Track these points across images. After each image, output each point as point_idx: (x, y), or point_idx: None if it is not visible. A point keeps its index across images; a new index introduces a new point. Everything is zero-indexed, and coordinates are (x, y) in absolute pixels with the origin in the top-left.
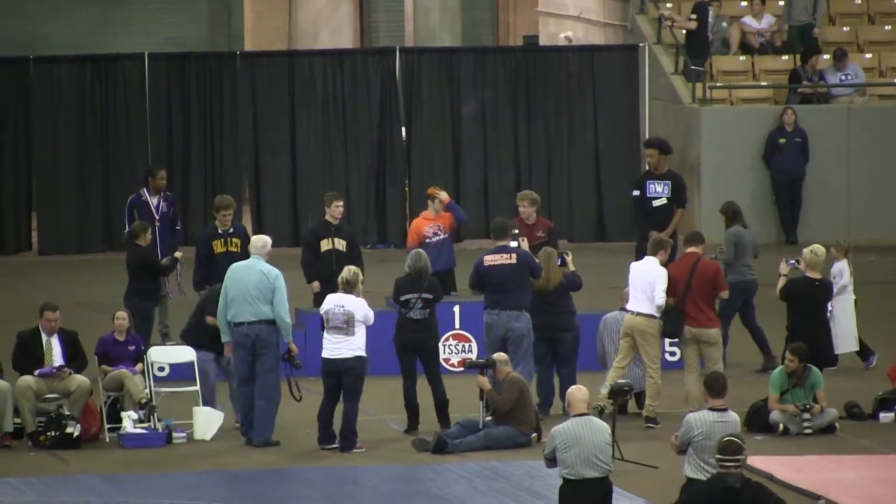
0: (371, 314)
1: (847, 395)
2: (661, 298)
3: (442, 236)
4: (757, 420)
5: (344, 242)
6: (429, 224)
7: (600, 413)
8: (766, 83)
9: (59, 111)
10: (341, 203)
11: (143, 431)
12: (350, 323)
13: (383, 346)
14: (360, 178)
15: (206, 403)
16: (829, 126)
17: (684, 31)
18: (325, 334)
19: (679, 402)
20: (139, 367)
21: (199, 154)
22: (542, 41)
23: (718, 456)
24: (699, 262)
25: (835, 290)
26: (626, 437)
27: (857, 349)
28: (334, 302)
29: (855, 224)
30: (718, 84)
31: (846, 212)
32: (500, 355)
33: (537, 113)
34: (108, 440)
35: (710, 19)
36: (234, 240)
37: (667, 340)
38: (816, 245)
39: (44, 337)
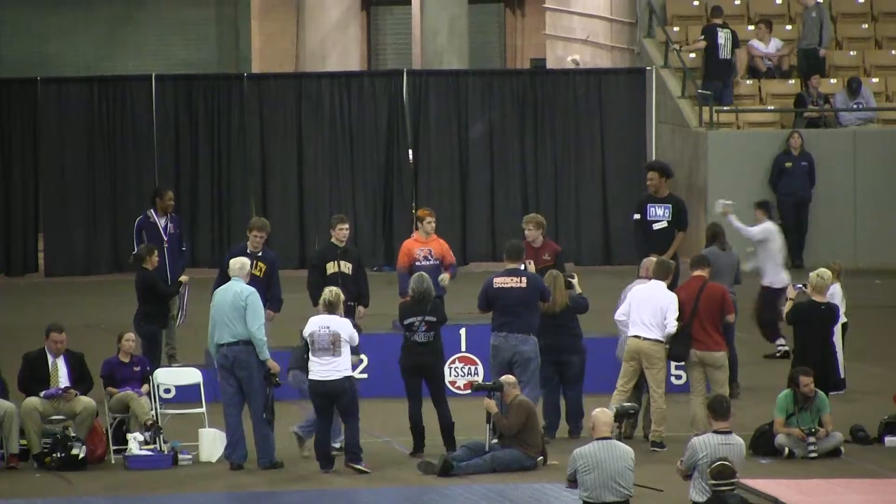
0: (356, 333)
1: (852, 419)
2: (673, 326)
3: (432, 262)
4: (763, 443)
5: (350, 265)
6: (420, 247)
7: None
8: (772, 107)
9: (66, 132)
10: (346, 226)
11: (149, 453)
12: (337, 343)
13: (389, 368)
14: (367, 199)
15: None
16: (836, 150)
17: (692, 55)
18: (312, 357)
19: (685, 425)
20: (145, 388)
21: (207, 175)
22: (550, 64)
23: (712, 482)
24: (706, 286)
25: None
26: None
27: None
28: (319, 324)
29: (861, 248)
30: (725, 108)
31: (852, 236)
32: (508, 378)
33: (544, 136)
34: (113, 462)
35: (720, 41)
36: (261, 265)
37: (673, 364)
38: (823, 269)
39: (50, 358)
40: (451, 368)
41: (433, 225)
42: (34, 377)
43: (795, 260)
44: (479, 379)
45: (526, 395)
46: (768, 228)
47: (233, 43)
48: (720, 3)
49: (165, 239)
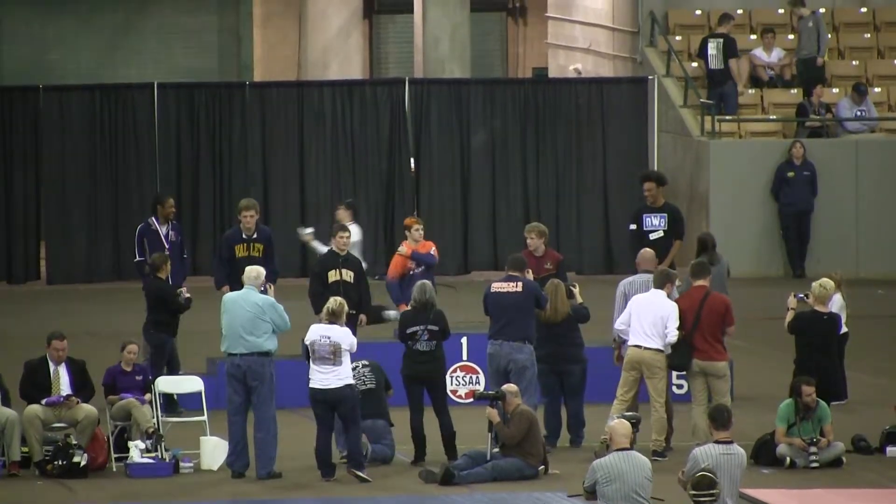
0: (355, 342)
1: (854, 429)
2: (673, 336)
3: (423, 269)
4: (764, 453)
5: (352, 273)
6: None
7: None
8: (774, 116)
9: (68, 140)
10: (347, 234)
11: (151, 461)
12: (337, 353)
13: (391, 377)
14: (369, 208)
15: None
16: (838, 160)
17: (693, 64)
18: (312, 365)
19: (685, 434)
20: (147, 396)
21: (208, 183)
22: (552, 73)
23: (693, 491)
24: (708, 296)
25: None
26: None
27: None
28: (320, 333)
29: (863, 258)
30: (727, 117)
31: (854, 245)
32: (510, 387)
33: (546, 144)
34: (115, 469)
35: (709, 51)
36: (257, 245)
37: (674, 373)
38: (825, 279)
39: (51, 366)
40: (452, 377)
41: (421, 233)
42: (36, 385)
43: (797, 270)
44: (481, 388)
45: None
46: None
47: (234, 51)
48: (721, 11)
49: (167, 247)
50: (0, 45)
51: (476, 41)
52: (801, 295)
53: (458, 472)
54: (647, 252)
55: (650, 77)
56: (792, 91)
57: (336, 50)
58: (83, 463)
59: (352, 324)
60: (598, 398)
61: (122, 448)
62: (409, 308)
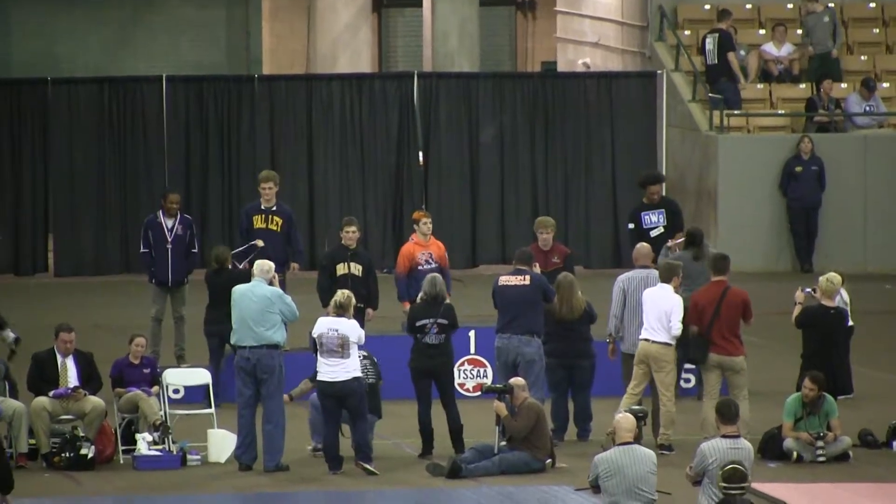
0: (363, 334)
1: (861, 424)
2: (677, 329)
3: (433, 265)
4: (771, 447)
5: (360, 267)
6: (421, 250)
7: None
8: (783, 111)
9: (76, 133)
10: (354, 228)
11: (158, 453)
12: (345, 346)
13: (398, 370)
14: (378, 202)
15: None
16: (846, 155)
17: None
18: (320, 357)
19: (693, 428)
20: (154, 389)
21: (217, 177)
22: (561, 67)
23: (723, 484)
24: (728, 291)
25: None
26: None
27: None
28: (328, 326)
29: (871, 253)
30: (736, 112)
31: (862, 240)
32: (517, 380)
33: (555, 139)
34: (122, 462)
35: (707, 46)
36: (276, 218)
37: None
38: (832, 273)
39: (59, 358)
40: (460, 371)
41: (430, 226)
42: (43, 377)
43: (805, 265)
44: (488, 381)
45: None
46: None
47: (243, 44)
48: (730, 6)
49: (169, 240)
50: (9, 38)
51: (485, 35)
52: (809, 289)
53: (465, 466)
54: (643, 247)
55: (659, 72)
56: (801, 86)
57: (345, 44)
58: (90, 455)
59: (360, 317)
60: (605, 392)
61: (130, 440)
62: (418, 301)
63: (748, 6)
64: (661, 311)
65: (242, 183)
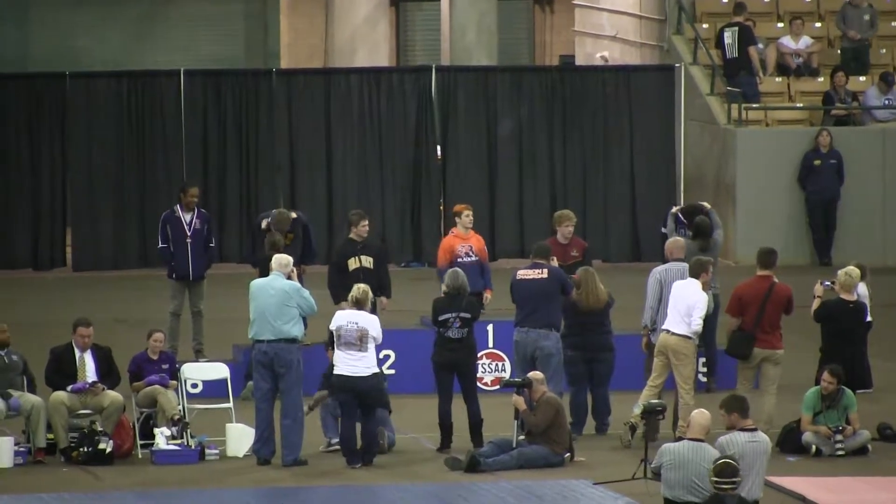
0: (381, 332)
1: (879, 417)
2: (697, 325)
3: (473, 258)
4: (789, 441)
5: (371, 259)
6: (461, 243)
7: (633, 431)
8: (801, 105)
9: (95, 127)
10: (366, 222)
11: (176, 448)
12: (364, 339)
13: (417, 364)
14: (395, 196)
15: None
16: (865, 148)
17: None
18: (337, 351)
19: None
20: (173, 383)
21: (235, 171)
22: (579, 61)
23: (714, 479)
24: (774, 287)
25: None
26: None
27: None
28: (347, 318)
29: (890, 246)
30: (754, 105)
31: (881, 234)
32: (536, 374)
33: (573, 132)
34: (140, 456)
35: (725, 41)
36: (289, 234)
37: (700, 360)
38: (851, 267)
39: (77, 353)
40: (478, 365)
41: (471, 218)
42: (61, 371)
43: (823, 258)
44: (507, 375)
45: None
46: None
47: (261, 38)
48: (747, 0)
49: (188, 234)
50: (28, 33)
51: (503, 29)
52: (828, 283)
53: (483, 460)
54: (676, 241)
55: (677, 65)
56: (819, 79)
57: (363, 37)
58: (108, 450)
59: (374, 309)
60: (624, 386)
61: (148, 435)
62: (441, 295)
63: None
64: (685, 304)
65: (260, 177)
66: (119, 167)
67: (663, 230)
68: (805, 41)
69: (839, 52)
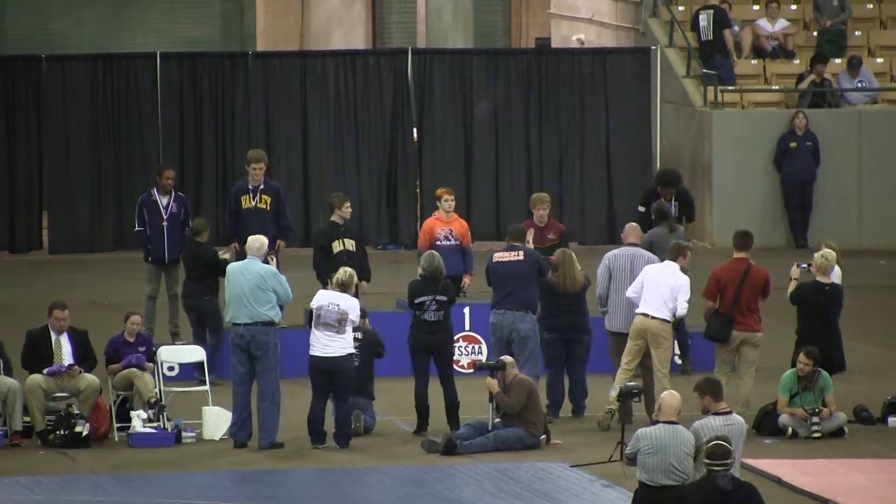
0: (359, 315)
1: (856, 399)
2: (683, 308)
3: (453, 242)
4: (766, 423)
5: (352, 242)
6: (441, 226)
7: (611, 416)
8: (777, 87)
9: (70, 110)
10: (349, 204)
11: (153, 431)
12: (343, 322)
13: (393, 347)
14: (372, 178)
15: None
16: (841, 130)
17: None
18: (314, 331)
19: (688, 405)
20: (149, 366)
21: (211, 154)
22: (555, 43)
23: (707, 460)
24: (750, 269)
25: None
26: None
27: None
28: (328, 299)
29: (865, 228)
30: (730, 87)
31: (857, 216)
32: (507, 358)
33: (549, 115)
34: (117, 439)
35: (700, 23)
36: (265, 197)
37: (676, 343)
38: (827, 249)
39: (53, 336)
40: (454, 347)
41: (451, 203)
42: (37, 354)
43: (799, 240)
44: (483, 358)
45: (524, 374)
46: None
47: (237, 21)
48: None
49: (165, 217)
50: (3, 14)
51: (479, 11)
52: (805, 265)
53: (460, 442)
54: (632, 226)
55: (653, 47)
56: (795, 61)
57: (339, 20)
58: (85, 433)
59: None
60: (601, 369)
61: (125, 418)
62: (417, 277)
63: None
64: (668, 288)
65: (237, 160)
66: (95, 150)
67: (640, 209)
68: (781, 24)
69: (815, 34)
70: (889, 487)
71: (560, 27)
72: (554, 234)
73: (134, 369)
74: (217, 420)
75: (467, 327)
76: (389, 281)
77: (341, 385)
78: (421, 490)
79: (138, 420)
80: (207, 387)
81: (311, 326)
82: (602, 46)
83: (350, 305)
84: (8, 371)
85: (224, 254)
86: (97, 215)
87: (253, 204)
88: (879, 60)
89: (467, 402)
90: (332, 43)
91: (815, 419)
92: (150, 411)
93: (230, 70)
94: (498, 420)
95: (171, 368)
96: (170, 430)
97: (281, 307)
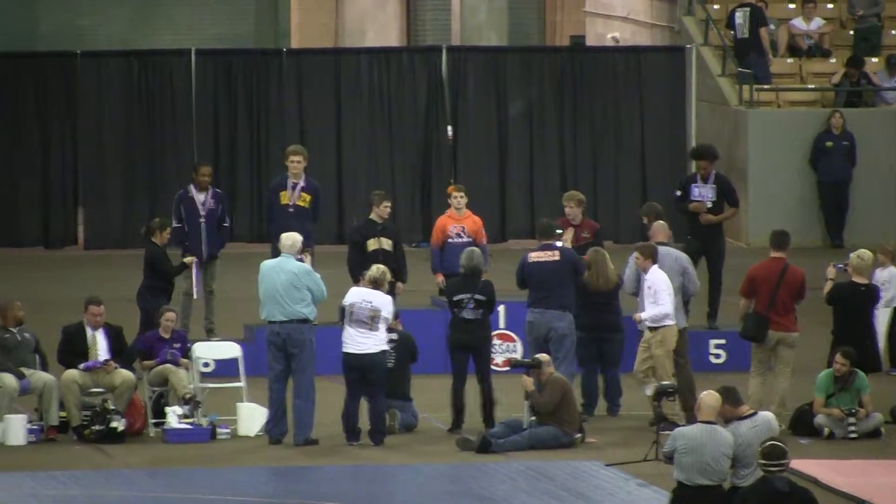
0: (393, 312)
1: (892, 400)
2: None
3: (465, 239)
4: (802, 423)
5: (390, 242)
6: (453, 224)
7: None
8: (813, 86)
9: (105, 106)
10: (389, 203)
11: (188, 427)
12: (375, 319)
13: (427, 344)
14: (406, 176)
15: None
16: (877, 130)
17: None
18: (347, 327)
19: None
20: (184, 362)
21: (245, 151)
22: (589, 41)
23: (762, 461)
24: (787, 269)
25: (882, 299)
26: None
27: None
28: (361, 296)
29: None
30: (765, 87)
31: (893, 216)
32: (543, 356)
33: (583, 113)
34: (152, 435)
35: (736, 21)
36: (305, 195)
37: (712, 342)
38: (863, 250)
39: (88, 331)
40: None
41: (459, 200)
42: (73, 350)
43: (835, 240)
44: (518, 356)
45: (561, 373)
46: None
47: (271, 18)
48: None
49: (202, 214)
50: (34, 10)
51: (513, 9)
52: (841, 265)
53: (494, 440)
54: (660, 224)
55: (688, 46)
56: (831, 60)
57: (373, 17)
58: (121, 428)
59: (391, 292)
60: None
61: (160, 414)
62: (456, 275)
63: None
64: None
65: (271, 157)
66: (129, 146)
67: (677, 194)
68: (817, 22)
69: (851, 33)
70: None
71: (595, 25)
72: (588, 232)
73: (169, 365)
74: (251, 416)
75: (502, 325)
76: (422, 279)
77: (374, 382)
78: (455, 488)
79: (173, 416)
80: (242, 383)
81: (343, 323)
82: (637, 45)
83: (382, 302)
84: (44, 366)
85: (188, 262)
86: (131, 211)
87: (292, 200)
88: None
89: (502, 400)
90: (366, 40)
91: (852, 420)
92: (185, 407)
93: (264, 67)
94: (533, 419)
95: (206, 364)
96: (205, 425)
97: (315, 304)
